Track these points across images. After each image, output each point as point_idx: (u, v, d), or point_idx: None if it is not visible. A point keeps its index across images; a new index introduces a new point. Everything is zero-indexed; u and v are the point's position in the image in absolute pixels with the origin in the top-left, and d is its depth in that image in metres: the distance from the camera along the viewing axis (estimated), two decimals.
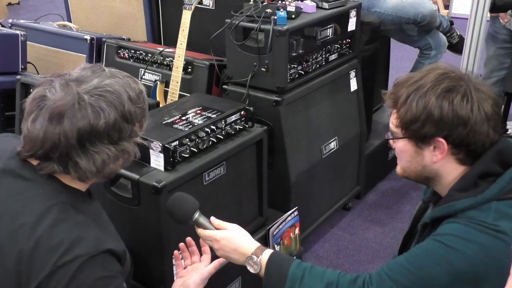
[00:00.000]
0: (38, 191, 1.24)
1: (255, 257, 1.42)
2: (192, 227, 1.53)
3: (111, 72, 1.31)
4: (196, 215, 1.49)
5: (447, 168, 1.34)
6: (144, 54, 2.76)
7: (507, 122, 3.71)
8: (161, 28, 3.16)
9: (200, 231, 1.50)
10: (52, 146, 1.21)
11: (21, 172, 1.26)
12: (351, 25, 2.69)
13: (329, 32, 2.55)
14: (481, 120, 1.27)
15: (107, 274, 1.23)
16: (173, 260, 1.89)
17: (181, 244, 1.62)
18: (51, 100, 1.21)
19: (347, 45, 2.74)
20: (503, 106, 3.57)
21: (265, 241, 2.35)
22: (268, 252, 1.42)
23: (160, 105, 2.48)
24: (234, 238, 1.45)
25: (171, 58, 2.61)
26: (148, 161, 1.87)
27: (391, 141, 1.42)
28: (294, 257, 1.42)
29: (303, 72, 2.46)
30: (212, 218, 1.50)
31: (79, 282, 1.18)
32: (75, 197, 1.29)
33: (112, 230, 1.37)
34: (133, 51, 2.81)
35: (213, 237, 1.47)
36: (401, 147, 1.38)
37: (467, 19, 2.74)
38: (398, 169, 1.44)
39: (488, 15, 3.49)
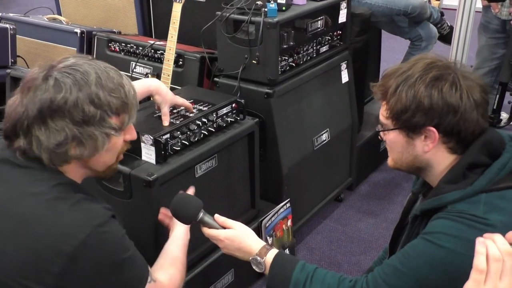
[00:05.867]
0: (37, 177, 1.26)
1: (259, 258, 1.44)
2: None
3: (94, 60, 1.32)
4: (201, 214, 1.49)
5: (438, 157, 1.35)
6: (135, 47, 2.75)
7: (501, 113, 3.72)
8: (152, 21, 3.14)
9: (205, 230, 1.51)
10: (17, 119, 1.23)
11: (15, 160, 1.27)
12: (342, 17, 2.69)
13: (320, 24, 2.55)
14: (471, 107, 1.29)
15: (124, 232, 1.30)
16: None
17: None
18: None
19: (338, 37, 2.74)
20: (497, 96, 3.57)
21: (257, 233, 2.34)
22: (272, 253, 1.44)
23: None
24: (238, 238, 1.47)
25: (162, 51, 2.60)
26: (140, 154, 1.87)
27: (381, 133, 1.43)
28: (298, 260, 1.44)
29: (294, 64, 2.46)
30: (217, 216, 1.51)
31: (106, 246, 1.23)
32: (71, 180, 1.31)
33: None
34: (124, 44, 2.79)
35: (217, 237, 1.48)
36: (392, 138, 1.38)
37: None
38: (390, 161, 1.45)
39: (481, 5, 3.50)
